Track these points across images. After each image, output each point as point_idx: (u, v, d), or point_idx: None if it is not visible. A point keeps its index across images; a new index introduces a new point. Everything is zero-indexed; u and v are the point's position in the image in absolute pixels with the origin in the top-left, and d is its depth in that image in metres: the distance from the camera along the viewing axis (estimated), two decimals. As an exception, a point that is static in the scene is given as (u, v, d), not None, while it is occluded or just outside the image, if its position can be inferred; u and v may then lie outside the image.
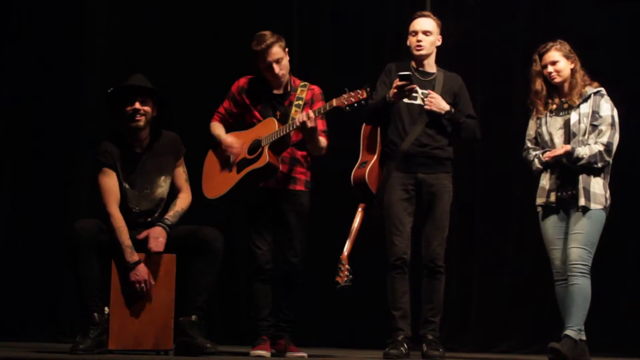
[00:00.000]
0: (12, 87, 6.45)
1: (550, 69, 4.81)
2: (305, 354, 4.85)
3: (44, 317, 6.23)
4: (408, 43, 4.99)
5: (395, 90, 4.74)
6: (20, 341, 5.84)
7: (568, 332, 4.60)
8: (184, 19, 6.70)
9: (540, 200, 4.84)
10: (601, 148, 4.67)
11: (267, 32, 4.86)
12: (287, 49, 4.89)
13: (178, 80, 6.27)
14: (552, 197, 4.77)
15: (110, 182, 4.58)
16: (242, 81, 5.01)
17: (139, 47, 6.53)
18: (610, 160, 4.72)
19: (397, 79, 4.72)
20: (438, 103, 4.85)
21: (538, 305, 6.32)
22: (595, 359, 4.78)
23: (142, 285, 4.45)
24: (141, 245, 4.53)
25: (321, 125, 4.88)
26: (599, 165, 4.68)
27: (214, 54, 6.65)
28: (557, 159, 4.72)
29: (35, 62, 6.47)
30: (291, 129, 4.71)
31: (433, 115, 4.86)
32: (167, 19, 6.65)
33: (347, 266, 4.88)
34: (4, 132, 6.43)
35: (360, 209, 4.97)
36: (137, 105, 4.59)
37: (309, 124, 4.64)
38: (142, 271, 4.46)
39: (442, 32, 5.01)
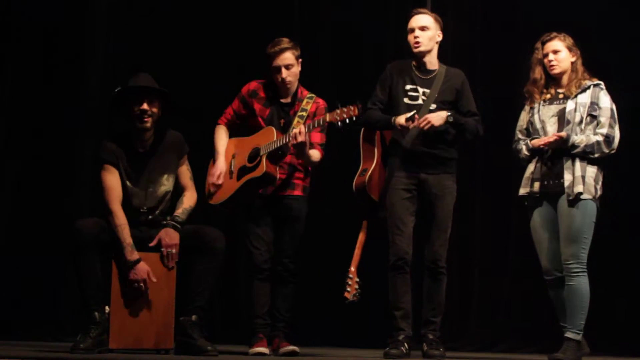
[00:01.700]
0: (12, 86, 6.45)
1: (551, 57, 4.75)
2: (297, 348, 4.85)
3: (44, 317, 6.22)
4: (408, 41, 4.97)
5: (399, 128, 4.74)
6: (20, 341, 5.84)
7: (569, 334, 4.57)
8: (183, 20, 6.70)
9: (523, 191, 4.75)
10: (600, 138, 4.60)
11: (285, 39, 4.88)
12: (300, 60, 4.89)
13: (178, 81, 6.26)
14: (536, 187, 4.69)
15: (112, 179, 4.58)
16: (253, 85, 5.01)
17: (139, 48, 6.54)
18: (608, 152, 4.62)
19: (404, 119, 4.68)
20: (433, 122, 4.73)
21: (538, 305, 6.30)
22: (595, 359, 4.77)
23: (142, 284, 4.45)
24: (146, 245, 4.53)
25: (318, 138, 4.89)
26: (596, 155, 4.60)
27: (214, 55, 6.65)
28: (549, 147, 4.63)
29: (36, 57, 6.47)
30: (288, 140, 4.71)
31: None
32: (167, 18, 6.66)
33: (356, 279, 4.87)
34: (4, 131, 6.42)
35: (364, 223, 4.98)
36: (145, 106, 4.58)
37: (299, 139, 4.64)
38: (141, 269, 4.45)
39: (443, 28, 4.96)
